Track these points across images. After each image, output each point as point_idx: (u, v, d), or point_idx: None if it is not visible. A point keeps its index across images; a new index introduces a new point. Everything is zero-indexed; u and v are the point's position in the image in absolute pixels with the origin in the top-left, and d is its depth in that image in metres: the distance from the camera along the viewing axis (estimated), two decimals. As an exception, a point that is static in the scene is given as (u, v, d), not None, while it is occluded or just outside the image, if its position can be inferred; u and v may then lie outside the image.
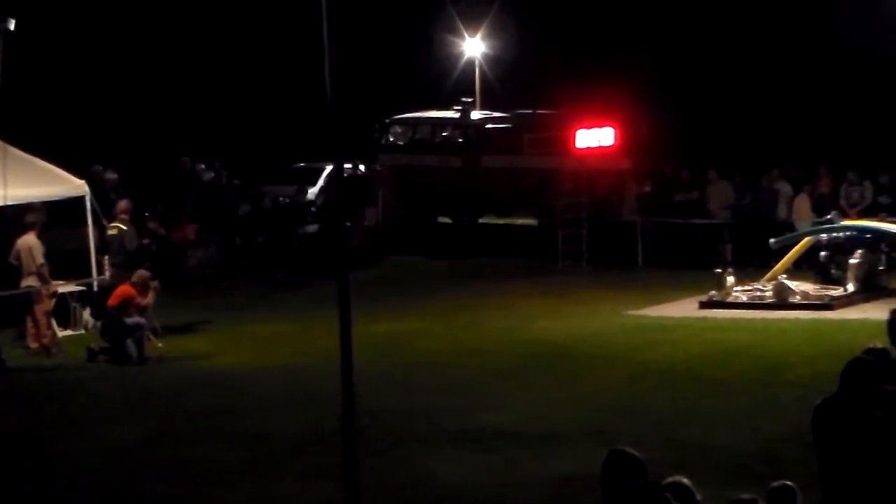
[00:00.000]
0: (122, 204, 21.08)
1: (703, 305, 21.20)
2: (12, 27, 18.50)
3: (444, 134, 30.74)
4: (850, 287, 20.96)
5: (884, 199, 25.33)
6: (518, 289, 23.76)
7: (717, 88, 30.18)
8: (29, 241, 18.97)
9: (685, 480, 6.89)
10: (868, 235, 21.68)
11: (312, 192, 30.41)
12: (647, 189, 28.49)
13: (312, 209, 29.27)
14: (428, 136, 30.93)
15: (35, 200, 19.98)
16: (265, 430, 14.28)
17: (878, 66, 28.15)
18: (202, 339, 20.09)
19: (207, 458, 13.38)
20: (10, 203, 19.54)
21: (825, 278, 21.50)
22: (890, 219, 22.79)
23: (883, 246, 21.83)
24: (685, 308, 21.24)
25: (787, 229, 24.02)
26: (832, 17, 27.25)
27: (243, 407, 15.41)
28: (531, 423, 14.03)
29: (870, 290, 21.01)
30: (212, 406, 15.56)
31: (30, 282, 19.02)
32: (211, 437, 14.21)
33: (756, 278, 21.83)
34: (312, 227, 28.29)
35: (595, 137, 29.78)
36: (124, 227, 20.34)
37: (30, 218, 19.46)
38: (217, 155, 31.17)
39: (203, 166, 29.67)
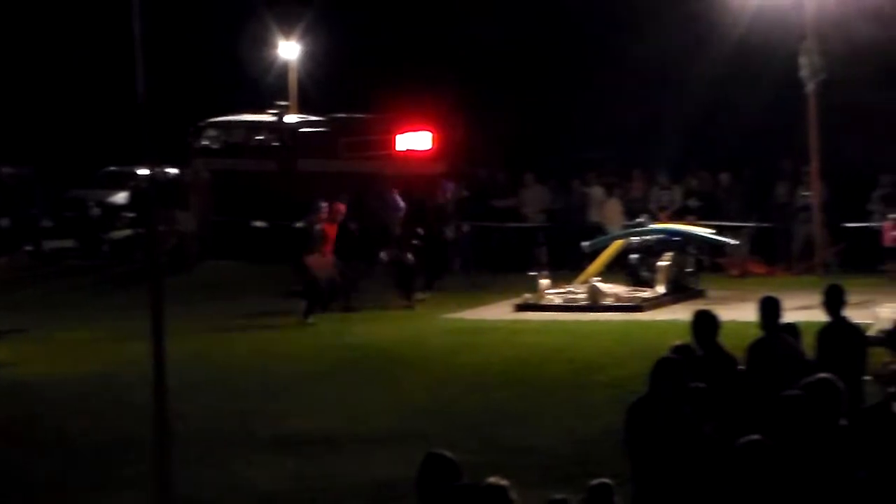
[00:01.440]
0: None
1: (518, 308, 21.47)
2: None
3: (259, 138, 30.54)
4: (660, 289, 21.49)
5: (693, 203, 26.08)
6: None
7: (535, 92, 30.58)
8: None
9: (502, 482, 6.95)
10: (677, 238, 22.25)
11: (123, 196, 29.84)
12: (465, 193, 28.70)
13: (123, 214, 28.73)
14: (243, 140, 30.71)
15: None
16: (73, 439, 13.90)
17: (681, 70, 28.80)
18: (6, 348, 19.51)
19: (11, 470, 12.95)
20: None
21: (636, 280, 22.00)
22: (698, 222, 23.44)
23: (691, 248, 22.44)
24: (500, 311, 21.49)
25: (600, 232, 24.54)
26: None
27: (50, 416, 14.96)
28: (348, 427, 13.97)
29: (678, 291, 21.58)
30: (16, 415, 15.10)
31: None
32: (16, 447, 13.78)
33: (570, 281, 22.20)
34: (123, 233, 27.79)
35: (413, 141, 29.92)
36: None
37: None
38: (28, 158, 30.51)
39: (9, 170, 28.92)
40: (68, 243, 29.96)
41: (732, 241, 23.60)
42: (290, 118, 30.98)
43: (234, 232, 29.35)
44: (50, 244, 29.79)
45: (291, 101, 32.44)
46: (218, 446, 13.40)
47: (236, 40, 34.72)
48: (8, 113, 36.39)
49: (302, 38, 33.74)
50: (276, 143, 30.14)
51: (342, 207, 22.14)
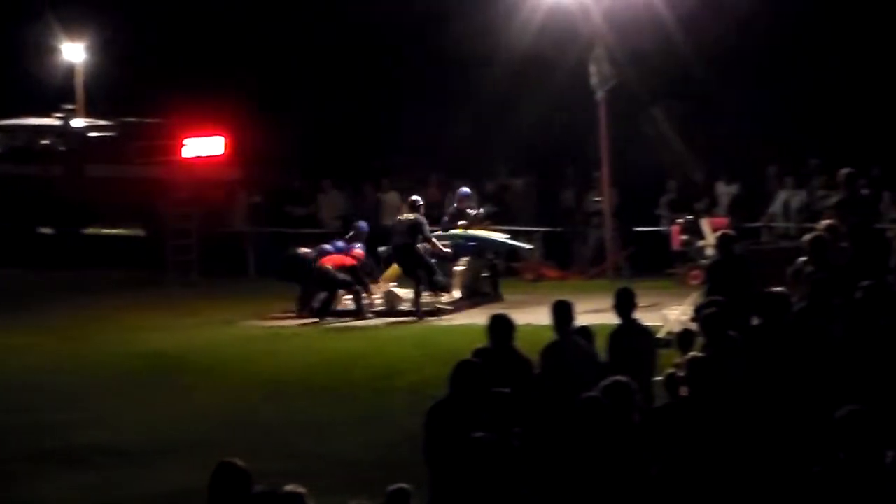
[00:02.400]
0: None
1: (316, 314, 21.44)
2: None
3: (44, 142, 29.80)
4: (457, 294, 21.74)
5: (488, 208, 26.42)
6: (126, 301, 23.29)
7: (329, 98, 30.59)
8: None
9: (299, 489, 6.98)
10: (473, 244, 22.52)
11: None
12: (258, 199, 28.57)
13: None
14: (27, 144, 29.91)
15: None
16: None
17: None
18: None
19: None
20: None
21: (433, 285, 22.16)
22: (493, 227, 23.77)
23: (487, 254, 22.76)
24: (298, 317, 21.42)
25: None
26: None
27: None
28: (141, 438, 13.76)
29: (474, 296, 21.87)
30: None
31: None
32: None
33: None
34: None
35: (204, 147, 29.63)
36: None
37: None
38: None
39: None
40: None
41: (527, 246, 24.03)
42: (78, 122, 30.30)
43: (18, 238, 28.57)
44: None
45: (78, 105, 31.68)
46: (4, 461, 13.04)
47: (18, 41, 33.73)
48: None
49: (88, 39, 32.96)
50: (63, 148, 29.44)
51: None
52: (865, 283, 11.29)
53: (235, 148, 29.73)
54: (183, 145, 29.32)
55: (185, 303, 23.09)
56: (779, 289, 12.25)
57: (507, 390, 9.15)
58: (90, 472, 12.67)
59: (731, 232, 16.22)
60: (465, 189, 23.80)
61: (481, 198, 26.61)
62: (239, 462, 7.18)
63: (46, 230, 29.54)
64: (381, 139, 29.24)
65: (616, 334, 11.33)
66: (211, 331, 20.53)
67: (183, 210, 27.26)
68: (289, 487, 7.05)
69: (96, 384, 16.70)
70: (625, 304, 11.46)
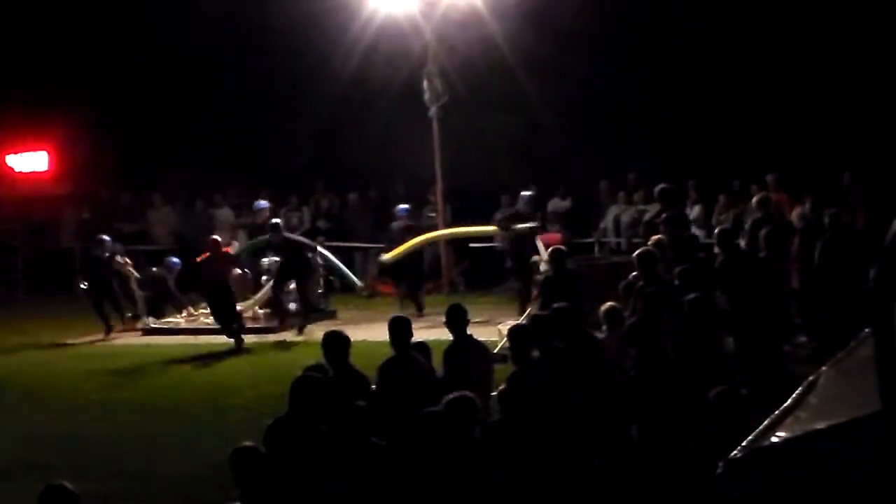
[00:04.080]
0: None
1: (146, 332, 21.24)
2: None
3: None
4: (292, 309, 21.70)
5: (322, 224, 26.50)
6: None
7: (161, 111, 30.22)
8: None
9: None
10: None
11: None
12: (86, 215, 28.16)
13: None
14: None
15: None
16: None
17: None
18: None
19: None
20: None
21: (268, 303, 22.11)
22: (327, 243, 23.83)
23: (321, 270, 22.76)
24: (129, 335, 21.19)
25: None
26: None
27: None
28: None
29: (311, 312, 21.88)
30: None
31: None
32: None
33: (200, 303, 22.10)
34: None
35: (28, 162, 29.21)
36: None
37: None
38: None
39: None
40: None
41: (360, 284, 23.86)
42: None
43: None
44: None
45: None
46: None
47: None
48: None
49: None
50: None
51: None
52: (691, 296, 11.71)
53: (61, 163, 29.29)
54: (5, 161, 28.91)
55: (12, 322, 22.64)
56: (610, 303, 12.64)
57: (362, 403, 9.23)
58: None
59: (562, 248, 16.62)
60: (263, 202, 23.95)
61: (315, 213, 26.69)
62: (67, 484, 7.13)
63: None
64: (211, 154, 28.98)
65: (450, 350, 11.42)
66: (40, 350, 20.17)
67: (7, 226, 26.81)
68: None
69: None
70: (456, 320, 11.60)
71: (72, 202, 28.68)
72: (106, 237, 22.17)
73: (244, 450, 8.08)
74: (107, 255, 21.65)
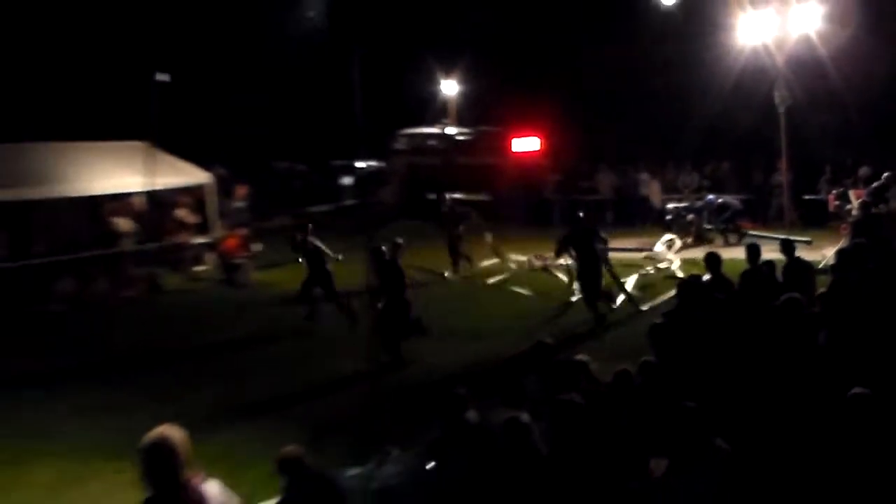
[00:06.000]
0: None
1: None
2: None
3: (430, 143, 30.20)
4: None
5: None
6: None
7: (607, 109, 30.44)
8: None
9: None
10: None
11: (349, 179, 30.77)
12: (558, 177, 28.78)
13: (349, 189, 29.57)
14: (421, 144, 30.41)
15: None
16: None
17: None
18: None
19: None
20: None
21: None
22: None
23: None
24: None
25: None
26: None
27: None
28: None
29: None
30: None
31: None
32: None
33: None
34: (350, 202, 28.79)
35: (526, 144, 29.40)
36: None
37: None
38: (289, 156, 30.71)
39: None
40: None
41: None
42: (450, 130, 31.22)
43: (415, 202, 29.25)
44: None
45: (451, 119, 32.95)
46: None
47: (411, 80, 34.49)
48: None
49: (456, 76, 33.17)
50: (442, 147, 30.30)
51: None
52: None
53: (547, 144, 29.82)
54: (512, 144, 29.87)
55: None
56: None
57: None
58: None
59: (868, 199, 16.71)
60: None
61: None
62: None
63: (431, 196, 31.02)
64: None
65: (786, 267, 10.79)
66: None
67: (511, 184, 28.51)
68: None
69: None
70: (790, 247, 11.17)
71: (552, 170, 29.55)
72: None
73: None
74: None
